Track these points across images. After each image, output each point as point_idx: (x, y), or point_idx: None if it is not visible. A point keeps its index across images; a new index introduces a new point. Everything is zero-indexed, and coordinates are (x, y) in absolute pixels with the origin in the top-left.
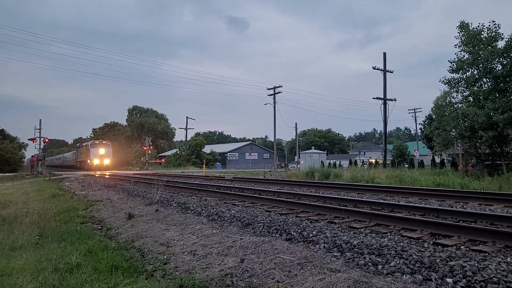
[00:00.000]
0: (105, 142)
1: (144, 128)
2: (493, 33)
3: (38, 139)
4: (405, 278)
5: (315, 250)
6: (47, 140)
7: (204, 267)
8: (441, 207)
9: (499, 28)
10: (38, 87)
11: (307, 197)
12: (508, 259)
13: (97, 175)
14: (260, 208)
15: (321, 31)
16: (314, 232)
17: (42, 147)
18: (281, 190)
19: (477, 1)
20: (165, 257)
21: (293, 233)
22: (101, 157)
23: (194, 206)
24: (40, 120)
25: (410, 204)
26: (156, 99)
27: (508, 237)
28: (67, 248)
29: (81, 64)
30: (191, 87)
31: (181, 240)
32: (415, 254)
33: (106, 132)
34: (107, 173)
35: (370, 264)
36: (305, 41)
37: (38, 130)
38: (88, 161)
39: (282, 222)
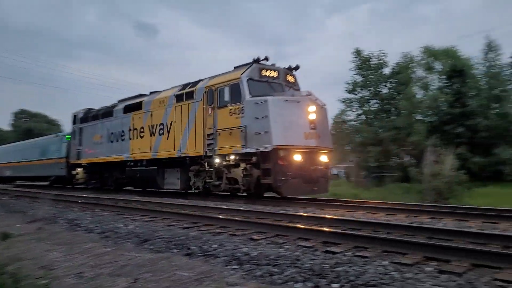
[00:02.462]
0: (293, 79)
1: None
2: (381, 61)
3: None
4: (297, 286)
5: (214, 264)
6: None
7: None
8: (334, 217)
9: (386, 56)
10: None
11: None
12: (384, 262)
13: None
14: (161, 223)
15: (236, 45)
16: (215, 246)
17: None
18: (184, 203)
19: (370, 30)
20: (45, 281)
21: (193, 247)
22: (312, 138)
23: (86, 222)
24: None
25: (309, 214)
26: (48, 103)
27: (388, 243)
28: None
29: None
30: (93, 91)
31: (67, 261)
32: (307, 262)
33: None
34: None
35: (266, 275)
36: (219, 53)
37: None
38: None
39: (183, 237)
